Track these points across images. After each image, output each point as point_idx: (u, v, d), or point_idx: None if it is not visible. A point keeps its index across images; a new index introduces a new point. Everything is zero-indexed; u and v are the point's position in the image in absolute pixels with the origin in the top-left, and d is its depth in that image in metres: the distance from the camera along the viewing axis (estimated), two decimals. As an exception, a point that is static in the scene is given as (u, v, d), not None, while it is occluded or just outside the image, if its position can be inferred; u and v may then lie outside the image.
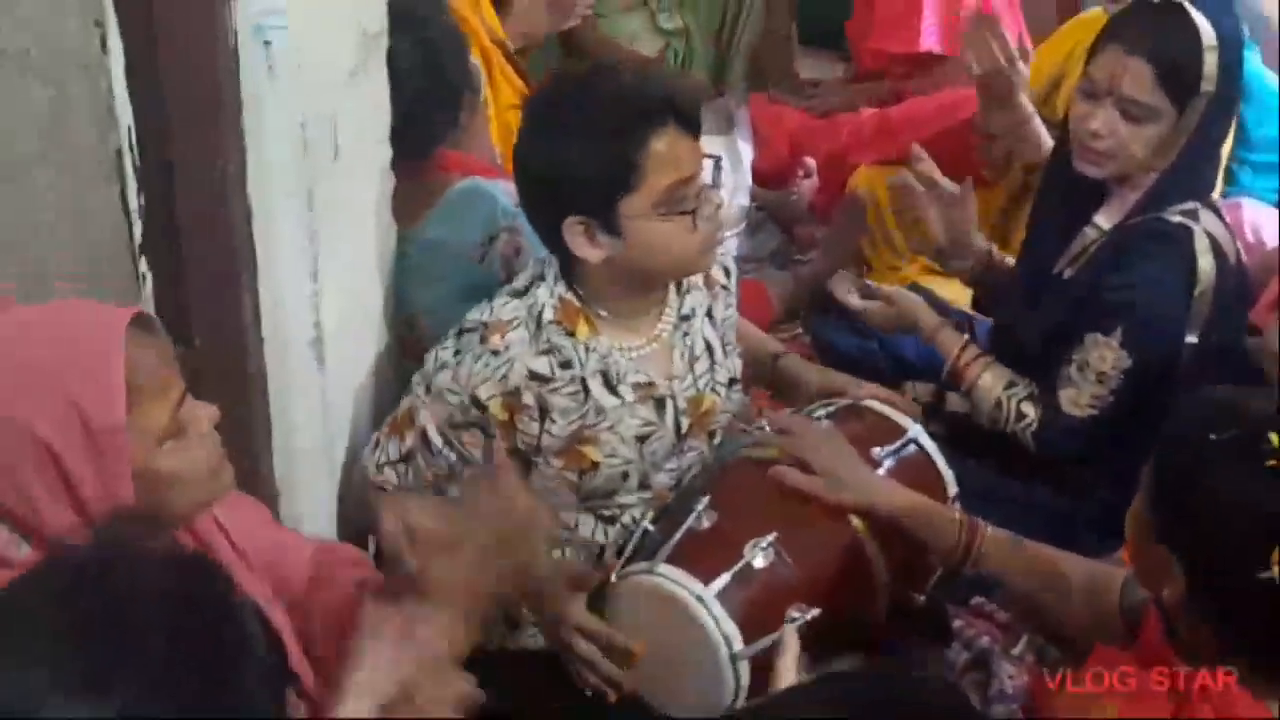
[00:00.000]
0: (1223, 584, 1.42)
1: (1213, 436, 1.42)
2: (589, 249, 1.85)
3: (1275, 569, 1.35)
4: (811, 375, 2.20)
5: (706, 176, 1.91)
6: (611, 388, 1.91)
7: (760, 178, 3.71)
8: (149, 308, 1.77)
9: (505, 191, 2.20)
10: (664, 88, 1.84)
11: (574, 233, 1.84)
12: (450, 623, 1.47)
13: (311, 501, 2.08)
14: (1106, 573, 1.78)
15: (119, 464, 1.27)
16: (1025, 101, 2.70)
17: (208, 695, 0.96)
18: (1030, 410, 2.22)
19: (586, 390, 1.90)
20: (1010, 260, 2.50)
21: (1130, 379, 2.14)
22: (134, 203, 1.73)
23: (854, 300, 2.45)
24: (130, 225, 1.73)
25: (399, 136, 2.11)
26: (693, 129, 1.85)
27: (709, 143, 3.48)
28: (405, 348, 2.22)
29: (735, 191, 3.50)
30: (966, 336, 2.34)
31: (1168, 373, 2.15)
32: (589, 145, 1.79)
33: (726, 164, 3.46)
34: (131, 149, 1.70)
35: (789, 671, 1.53)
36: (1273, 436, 1.39)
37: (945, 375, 2.33)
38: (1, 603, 0.99)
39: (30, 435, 1.25)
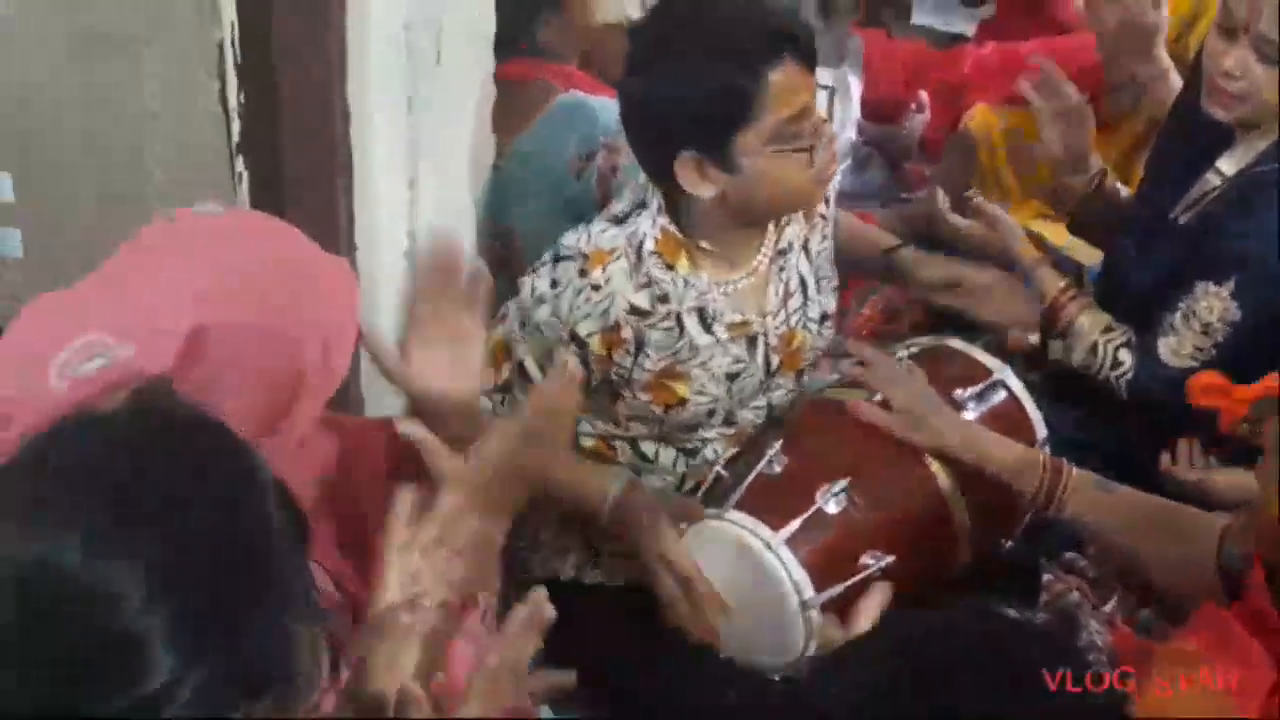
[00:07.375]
0: None
1: None
2: (701, 185, 1.77)
3: None
4: (929, 267, 2.14)
5: (821, 108, 1.85)
6: (706, 325, 1.87)
7: (869, 111, 3.60)
8: (244, 207, 1.78)
9: (607, 108, 2.16)
10: (780, 16, 1.77)
11: (686, 168, 1.76)
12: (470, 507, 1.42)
13: (394, 414, 2.08)
14: (1200, 519, 1.70)
15: (318, 405, 1.35)
16: (1163, 54, 2.61)
17: (229, 558, 0.98)
18: (1127, 357, 2.13)
19: (681, 326, 1.86)
20: (1123, 190, 2.39)
21: (1236, 333, 2.04)
22: (234, 100, 1.73)
23: (953, 217, 2.36)
24: (229, 123, 1.73)
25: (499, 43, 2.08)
26: (809, 61, 1.77)
27: (820, 74, 3.43)
28: (497, 262, 2.20)
29: (843, 125, 3.42)
30: (1069, 278, 2.25)
31: (1277, 331, 2.05)
32: (704, 77, 1.72)
33: (837, 96, 3.40)
34: (234, 45, 1.69)
35: (867, 619, 1.50)
36: None
37: (1041, 314, 2.25)
38: (30, 463, 1.00)
39: (294, 354, 1.30)
